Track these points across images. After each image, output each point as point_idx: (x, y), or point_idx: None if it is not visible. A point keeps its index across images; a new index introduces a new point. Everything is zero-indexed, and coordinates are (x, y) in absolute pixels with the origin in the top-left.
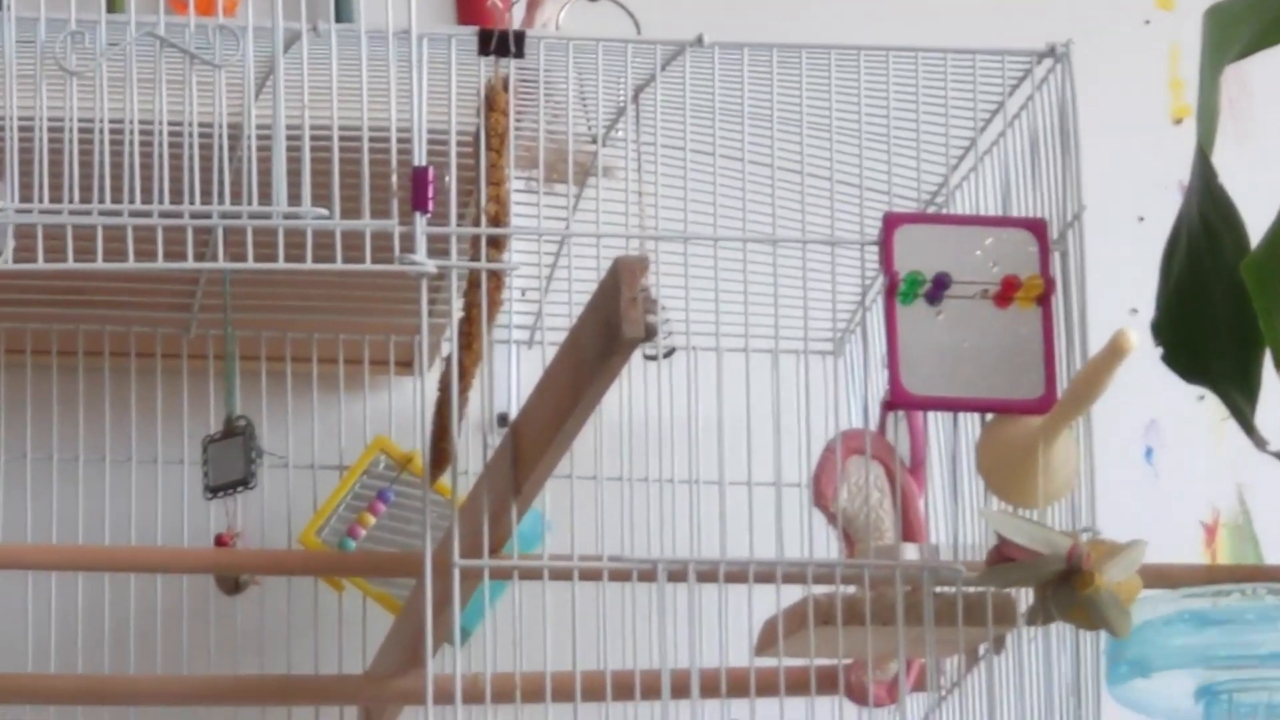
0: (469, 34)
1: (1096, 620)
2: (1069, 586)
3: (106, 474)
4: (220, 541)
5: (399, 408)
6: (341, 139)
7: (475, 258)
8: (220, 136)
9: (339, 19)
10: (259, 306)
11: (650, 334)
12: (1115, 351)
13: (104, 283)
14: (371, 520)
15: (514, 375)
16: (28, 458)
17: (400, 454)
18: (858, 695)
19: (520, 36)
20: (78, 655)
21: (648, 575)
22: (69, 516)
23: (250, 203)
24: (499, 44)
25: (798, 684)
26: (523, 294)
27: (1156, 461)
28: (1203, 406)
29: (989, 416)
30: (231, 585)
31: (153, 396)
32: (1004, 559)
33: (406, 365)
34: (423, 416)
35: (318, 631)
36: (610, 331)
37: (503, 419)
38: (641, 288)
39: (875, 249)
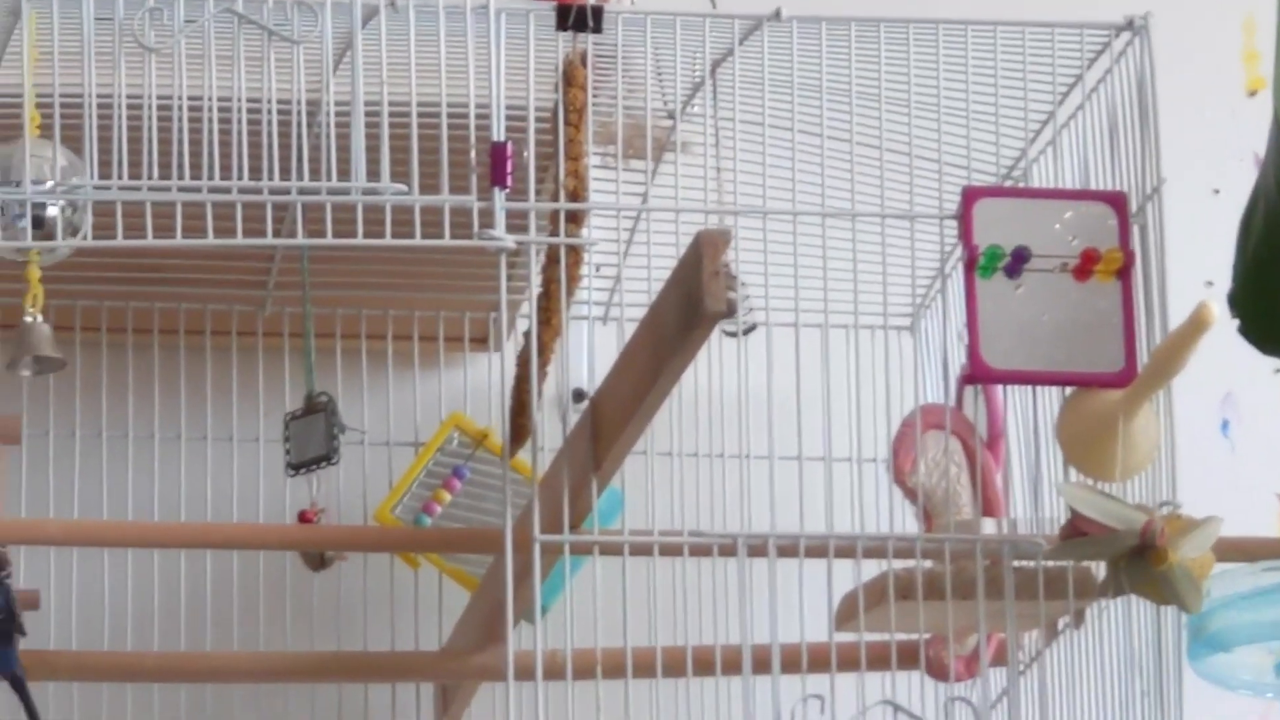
0: (547, 9)
1: (1169, 596)
2: (1143, 561)
3: (182, 452)
4: (304, 518)
5: (474, 384)
6: (420, 115)
7: (553, 233)
8: (299, 113)
9: None
10: (334, 283)
11: (730, 309)
12: (1197, 325)
13: (180, 260)
14: (447, 497)
15: (590, 351)
16: (103, 436)
17: (475, 430)
18: (937, 670)
19: (598, 11)
20: (154, 633)
21: (728, 550)
22: (145, 494)
23: (329, 179)
24: (577, 19)
25: (877, 659)
26: (598, 269)
27: (1233, 434)
28: None
29: (1068, 390)
30: (317, 561)
31: (228, 374)
32: (1078, 533)
33: (481, 342)
34: (502, 392)
35: (394, 608)
36: (691, 306)
37: (579, 395)
38: (722, 262)
39: (954, 223)
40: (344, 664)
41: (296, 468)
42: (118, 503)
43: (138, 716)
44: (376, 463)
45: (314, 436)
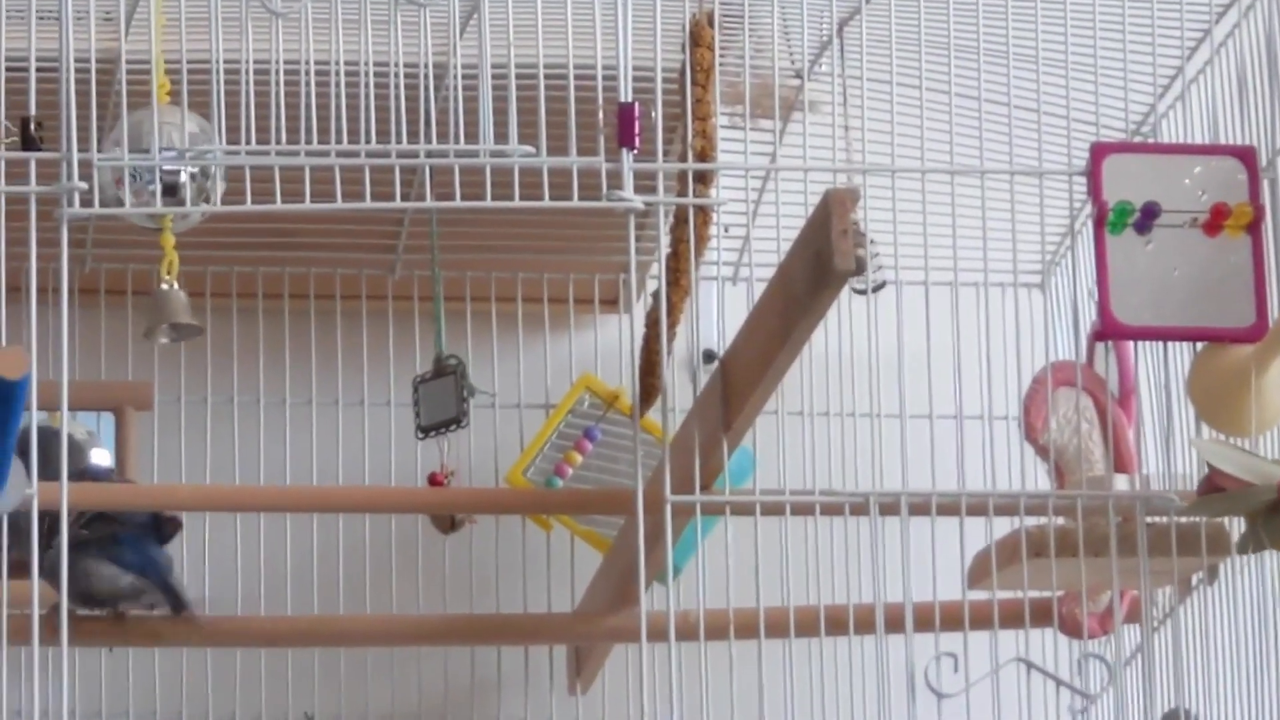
0: None
1: None
2: None
3: (313, 416)
4: (434, 481)
5: (604, 345)
6: (547, 76)
7: (681, 194)
8: (426, 76)
9: None
10: (463, 247)
11: (860, 267)
12: None
13: (309, 225)
14: (578, 458)
15: (720, 311)
16: (234, 401)
17: (606, 391)
18: (1071, 627)
19: None
20: (287, 597)
21: (859, 509)
22: (277, 459)
23: (456, 142)
24: None
25: (1010, 617)
26: (726, 230)
27: None
28: None
29: (1199, 345)
30: (447, 524)
31: (358, 338)
32: (1215, 489)
33: (610, 303)
34: (632, 353)
35: (525, 570)
36: (821, 264)
37: (708, 355)
38: (851, 221)
39: (1083, 179)
40: (477, 627)
41: (427, 431)
42: (249, 468)
43: (271, 681)
44: (507, 425)
45: (444, 400)
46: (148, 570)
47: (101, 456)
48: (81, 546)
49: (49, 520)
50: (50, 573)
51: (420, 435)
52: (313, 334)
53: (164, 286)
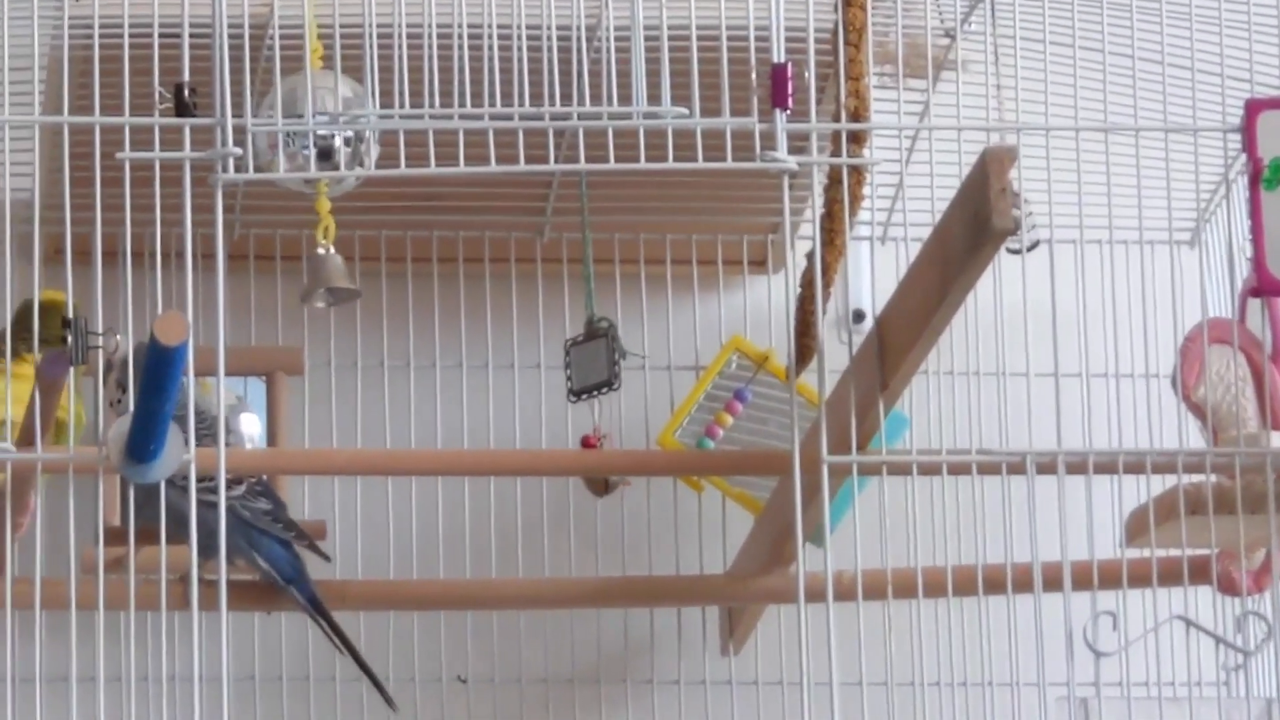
0: None
1: None
2: None
3: (464, 380)
4: (586, 443)
5: (753, 306)
6: (700, 37)
7: (834, 153)
8: (578, 39)
9: None
10: (612, 209)
11: (1016, 226)
12: None
13: (457, 188)
14: (729, 420)
15: (872, 271)
16: (384, 365)
17: (756, 353)
18: (1228, 585)
19: None
20: (439, 561)
21: (1016, 468)
22: (428, 423)
23: (609, 104)
24: None
25: (1168, 574)
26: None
27: None
28: None
29: None
30: (601, 486)
31: (508, 301)
32: None
33: (759, 264)
34: (786, 314)
35: (678, 532)
36: (979, 223)
37: (858, 315)
38: (1008, 179)
39: (1237, 136)
40: (631, 589)
41: (578, 394)
42: (400, 432)
43: (424, 645)
44: (657, 387)
45: (595, 362)
46: (297, 583)
47: (250, 422)
48: (238, 519)
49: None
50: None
51: (572, 398)
52: (462, 297)
53: (320, 251)
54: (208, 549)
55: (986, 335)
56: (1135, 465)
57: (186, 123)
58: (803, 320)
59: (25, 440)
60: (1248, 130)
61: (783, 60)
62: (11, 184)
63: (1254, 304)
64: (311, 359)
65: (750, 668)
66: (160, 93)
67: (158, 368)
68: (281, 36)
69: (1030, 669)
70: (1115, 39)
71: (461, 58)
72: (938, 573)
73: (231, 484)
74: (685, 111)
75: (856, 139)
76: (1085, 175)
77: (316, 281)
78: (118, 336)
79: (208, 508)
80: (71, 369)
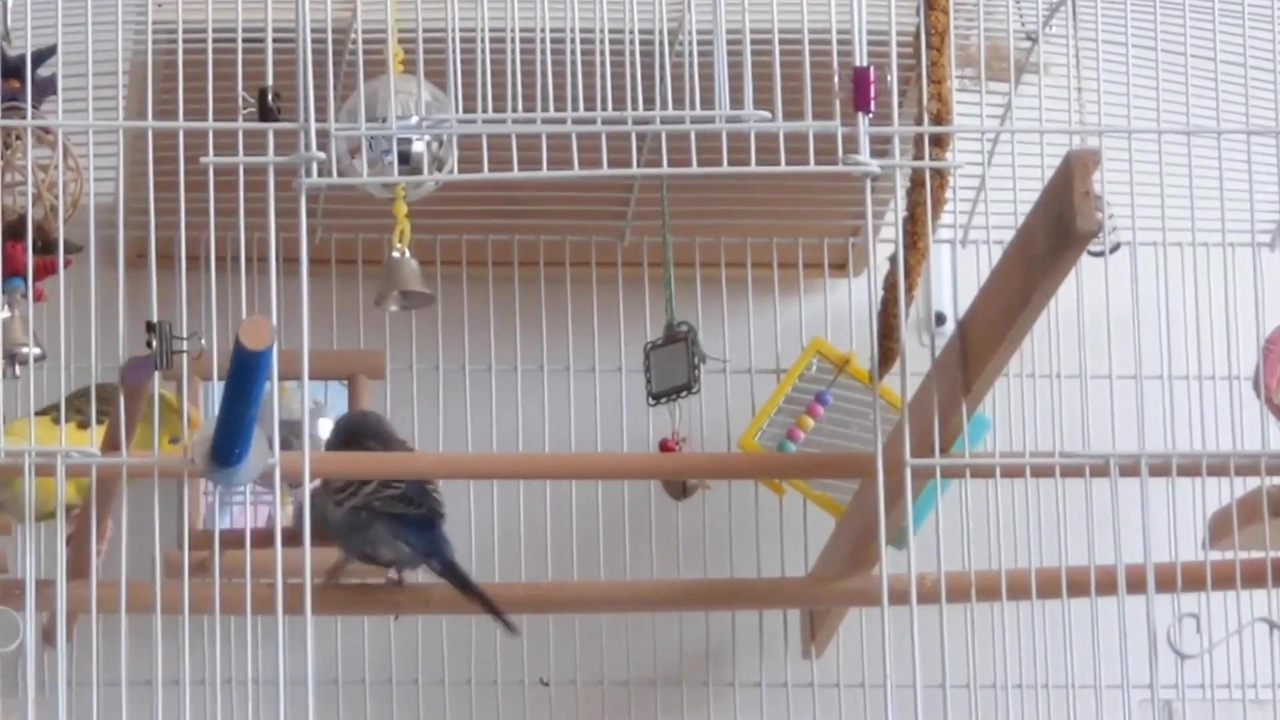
0: None
1: None
2: None
3: (544, 383)
4: (665, 447)
5: (834, 309)
6: (782, 41)
7: (917, 157)
8: (661, 43)
9: None
10: (692, 212)
11: (1099, 229)
12: None
13: (538, 192)
14: (810, 422)
15: (953, 274)
16: (466, 369)
17: (837, 356)
18: None
19: None
20: (521, 564)
21: (1099, 470)
22: (509, 426)
23: (692, 108)
24: None
25: (1252, 577)
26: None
27: None
28: None
29: None
30: (679, 490)
31: (589, 305)
32: None
33: (840, 267)
34: (870, 316)
35: (759, 535)
36: (1063, 226)
37: (939, 318)
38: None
39: None
40: (712, 592)
41: (658, 397)
42: (481, 435)
43: (506, 648)
44: (738, 390)
45: (675, 366)
46: (433, 553)
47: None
48: (372, 513)
49: (347, 487)
50: (338, 534)
51: (652, 402)
52: (542, 301)
53: (395, 254)
54: (351, 549)
55: (1069, 338)
56: (1219, 467)
57: (270, 127)
58: (886, 323)
59: (110, 446)
60: None
61: (865, 64)
62: (96, 189)
63: None
64: (393, 363)
65: (832, 670)
66: (244, 98)
67: (242, 372)
68: (364, 41)
69: (1114, 671)
70: (1197, 41)
71: (544, 61)
72: (1021, 575)
73: (362, 484)
74: (768, 115)
75: (939, 142)
76: (1167, 177)
77: (391, 285)
78: (202, 341)
79: (344, 510)
80: (155, 374)
